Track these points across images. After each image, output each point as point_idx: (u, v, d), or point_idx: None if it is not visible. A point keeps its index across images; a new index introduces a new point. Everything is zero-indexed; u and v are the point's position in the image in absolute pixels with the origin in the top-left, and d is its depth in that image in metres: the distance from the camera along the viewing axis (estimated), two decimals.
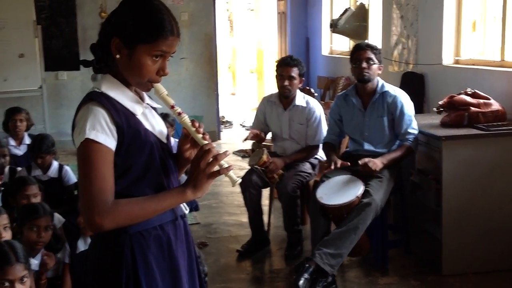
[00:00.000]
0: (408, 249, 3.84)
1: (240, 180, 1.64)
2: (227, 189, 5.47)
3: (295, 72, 3.92)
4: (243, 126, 9.16)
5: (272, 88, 10.32)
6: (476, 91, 3.77)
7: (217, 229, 4.54)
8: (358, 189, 3.37)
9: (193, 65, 7.75)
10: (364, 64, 3.59)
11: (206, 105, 7.63)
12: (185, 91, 7.52)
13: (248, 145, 5.70)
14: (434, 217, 3.61)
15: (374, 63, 3.62)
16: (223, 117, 9.21)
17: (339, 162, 3.54)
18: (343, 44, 7.87)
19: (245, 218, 4.43)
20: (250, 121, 9.08)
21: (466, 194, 3.48)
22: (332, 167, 3.52)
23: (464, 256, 3.51)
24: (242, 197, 3.96)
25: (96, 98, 1.53)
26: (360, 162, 3.47)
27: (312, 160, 4.06)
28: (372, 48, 3.64)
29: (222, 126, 8.72)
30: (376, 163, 3.44)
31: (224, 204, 5.21)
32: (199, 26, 7.70)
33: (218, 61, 8.80)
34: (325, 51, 8.40)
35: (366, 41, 6.18)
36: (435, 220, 3.60)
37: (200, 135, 1.61)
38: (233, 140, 7.67)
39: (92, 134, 1.47)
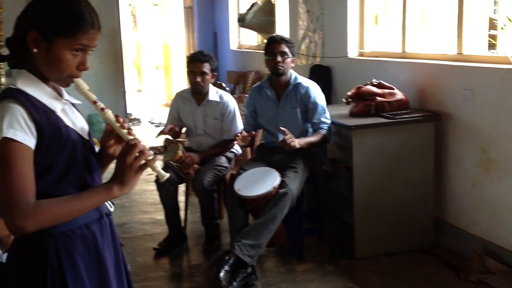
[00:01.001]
0: (323, 236, 3.96)
1: (168, 175, 1.62)
2: (139, 188, 5.36)
3: (206, 67, 3.91)
4: (152, 123, 9.00)
5: (180, 84, 10.24)
6: (381, 81, 3.96)
7: (132, 228, 4.44)
8: (275, 180, 3.43)
9: (97, 61, 7.46)
10: (279, 58, 3.66)
11: (113, 103, 7.38)
12: (90, 88, 7.24)
13: (160, 142, 5.62)
14: (346, 204, 3.75)
15: (288, 57, 3.70)
16: (131, 114, 9.00)
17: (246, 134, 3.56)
18: (251, 39, 7.95)
19: (160, 216, 4.38)
20: (159, 118, 9.01)
21: (375, 181, 3.65)
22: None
23: (375, 239, 3.68)
24: (158, 194, 3.89)
25: (12, 95, 1.44)
26: (279, 138, 3.51)
27: (228, 153, 4.08)
28: (287, 42, 3.72)
29: (130, 123, 8.52)
30: (294, 140, 3.47)
31: (137, 202, 5.10)
32: (103, 21, 7.13)
33: (123, 57, 8.57)
34: (233, 46, 8.45)
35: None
36: (347, 207, 3.74)
37: (125, 131, 1.57)
38: (143, 138, 7.49)
39: (9, 133, 1.39)
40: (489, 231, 3.42)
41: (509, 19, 4.12)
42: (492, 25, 4.04)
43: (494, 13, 4.25)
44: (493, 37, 4.22)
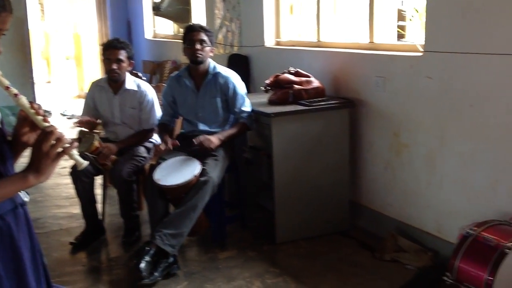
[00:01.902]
0: (244, 223, 4.00)
1: (87, 163, 1.56)
2: (53, 181, 5.16)
3: (123, 55, 3.81)
4: (64, 115, 8.66)
5: (92, 74, 9.89)
6: (299, 70, 4.04)
7: (46, 223, 4.26)
8: (195, 169, 3.41)
9: (3, 51, 7.08)
10: (198, 46, 3.64)
11: (21, 94, 7.05)
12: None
13: (73, 133, 5.40)
14: (266, 191, 3.80)
15: (207, 45, 3.68)
16: (40, 106, 8.59)
17: (169, 142, 3.55)
18: (167, 28, 7.82)
19: (76, 210, 4.23)
20: (71, 110, 8.67)
21: (294, 167, 3.72)
22: (162, 147, 3.54)
23: (295, 224, 3.76)
24: (73, 187, 3.75)
25: None
26: (195, 141, 3.51)
27: (146, 143, 4.00)
28: (206, 30, 3.70)
29: None
30: (212, 141, 3.51)
31: (51, 197, 4.90)
32: None
33: (31, 47, 8.16)
34: (148, 35, 8.29)
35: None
36: (268, 193, 3.79)
37: (40, 117, 1.50)
38: None
39: None
40: (401, 212, 3.60)
41: (416, 10, 4.32)
42: (401, 16, 4.22)
43: (402, 5, 4.43)
44: (401, 28, 4.41)
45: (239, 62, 5.30)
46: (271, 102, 3.95)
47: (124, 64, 3.82)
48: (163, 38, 7.95)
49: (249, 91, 4.89)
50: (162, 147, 3.56)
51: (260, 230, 3.92)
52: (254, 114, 3.82)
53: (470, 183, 3.09)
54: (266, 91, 4.04)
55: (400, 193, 3.59)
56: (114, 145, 3.76)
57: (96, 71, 9.80)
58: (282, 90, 3.94)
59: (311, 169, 3.77)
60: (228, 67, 3.98)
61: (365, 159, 3.86)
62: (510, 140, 2.83)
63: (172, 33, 7.66)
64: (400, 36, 4.19)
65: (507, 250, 2.42)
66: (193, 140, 3.52)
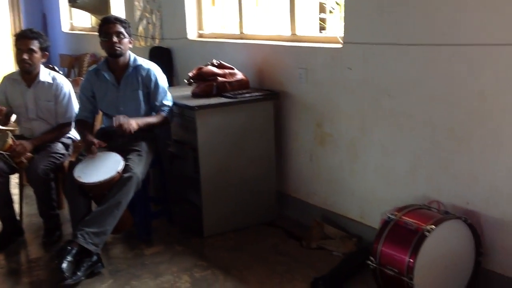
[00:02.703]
0: (171, 218, 3.93)
1: None
2: None
3: (35, 45, 3.63)
4: None
5: (4, 69, 9.38)
6: (222, 62, 4.01)
7: None
8: (118, 165, 3.31)
9: None
10: (115, 38, 3.52)
11: None
12: None
13: None
14: (193, 185, 3.75)
15: (125, 37, 3.56)
16: None
17: (96, 142, 3.42)
18: (85, 20, 7.56)
19: None
20: None
21: (220, 160, 3.70)
22: (93, 151, 3.39)
23: (222, 217, 3.74)
24: None
25: None
26: (114, 121, 3.38)
27: (64, 139, 3.84)
28: (122, 22, 3.58)
29: None
30: (131, 123, 3.39)
31: None
32: None
33: None
34: (65, 28, 7.97)
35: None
36: (194, 187, 3.75)
37: None
38: None
39: None
40: (326, 200, 3.66)
41: (337, 3, 4.39)
42: (322, 8, 4.28)
43: None
44: (323, 20, 4.47)
45: (161, 55, 5.20)
46: (195, 95, 3.90)
47: (37, 55, 3.65)
48: (80, 30, 7.67)
49: (171, 84, 4.83)
50: (93, 150, 3.39)
51: (187, 224, 3.88)
52: (178, 107, 3.76)
53: (391, 170, 3.19)
54: (189, 84, 3.98)
55: (325, 182, 3.65)
56: (28, 143, 3.59)
57: (8, 66, 9.30)
58: (205, 83, 3.90)
59: (237, 161, 3.76)
60: (149, 60, 3.88)
61: (290, 149, 3.90)
62: (426, 128, 2.94)
63: (90, 26, 7.40)
64: (322, 28, 4.25)
65: (427, 233, 2.52)
66: (113, 119, 3.39)
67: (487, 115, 2.63)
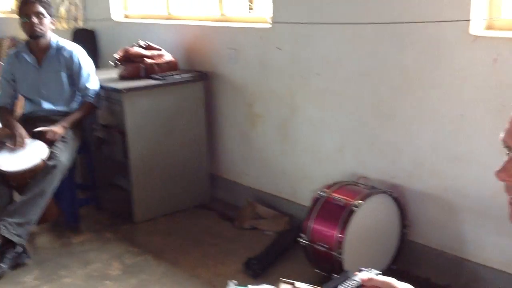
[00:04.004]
0: (100, 205, 3.83)
1: None
2: None
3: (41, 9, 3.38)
4: None
5: None
6: (149, 43, 3.91)
7: None
8: (42, 152, 3.17)
9: None
10: (35, 19, 3.35)
11: None
12: None
13: None
14: (122, 170, 3.66)
15: (45, 17, 3.40)
16: None
17: (25, 136, 3.25)
18: (3, 3, 7.16)
19: None
20: None
21: (150, 143, 3.62)
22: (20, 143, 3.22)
23: (153, 202, 3.68)
24: None
25: None
26: (36, 131, 3.26)
27: None
28: (41, 2, 3.40)
29: None
30: (56, 132, 3.28)
31: None
32: None
33: None
34: None
35: None
36: (123, 172, 3.66)
37: None
38: None
39: None
40: (258, 180, 3.67)
41: None
42: None
43: None
44: (251, 0, 4.44)
45: (85, 37, 5.00)
46: (122, 77, 3.80)
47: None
48: None
49: (97, 67, 4.65)
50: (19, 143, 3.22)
51: (117, 211, 3.79)
52: (105, 90, 3.65)
53: (320, 148, 3.23)
54: (116, 66, 3.87)
55: (257, 162, 3.66)
56: None
57: None
58: (132, 65, 3.80)
59: (168, 145, 3.70)
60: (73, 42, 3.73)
61: (222, 131, 3.87)
62: (353, 106, 2.99)
63: (10, 9, 7.02)
64: (251, 9, 4.22)
65: (355, 208, 2.57)
66: (34, 131, 3.26)
67: (410, 92, 2.71)
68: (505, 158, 0.96)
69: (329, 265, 2.65)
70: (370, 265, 2.72)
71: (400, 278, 1.18)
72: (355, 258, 2.61)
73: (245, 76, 3.60)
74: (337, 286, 1.95)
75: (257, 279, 2.84)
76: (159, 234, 3.46)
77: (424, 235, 2.77)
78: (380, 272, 1.19)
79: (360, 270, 1.26)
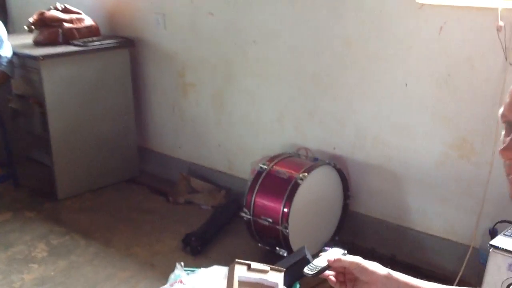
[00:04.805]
0: (17, 182, 3.53)
1: None
2: None
3: None
4: None
5: None
6: (67, 6, 3.60)
7: None
8: None
9: None
10: None
11: None
12: None
13: None
14: (41, 143, 3.38)
15: None
16: None
17: None
18: None
19: None
20: None
21: (72, 115, 3.36)
22: None
23: (78, 177, 3.44)
24: None
25: None
26: None
27: None
28: None
29: None
30: None
31: None
32: None
33: None
34: None
35: None
36: (43, 146, 3.38)
37: None
38: None
39: None
40: (192, 153, 3.52)
41: None
42: None
43: None
44: None
45: None
46: (38, 43, 3.48)
47: None
48: None
49: (8, 32, 4.26)
50: None
51: (38, 188, 3.50)
52: (19, 57, 3.35)
53: (258, 119, 3.12)
54: (30, 30, 3.54)
55: (190, 134, 3.50)
56: None
57: None
58: (49, 29, 3.49)
59: (92, 116, 3.45)
60: None
61: (151, 101, 3.66)
62: (292, 76, 2.90)
63: None
64: None
65: (300, 181, 2.50)
66: None
67: (353, 61, 2.65)
68: (505, 134, 0.89)
69: (273, 239, 2.58)
70: (314, 237, 2.69)
71: (344, 249, 1.18)
72: (299, 231, 2.56)
73: (175, 43, 3.40)
74: (295, 263, 1.89)
75: (197, 256, 2.73)
76: (86, 212, 3.24)
77: (367, 206, 2.76)
78: (345, 252, 1.17)
79: (324, 250, 1.20)
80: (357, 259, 1.11)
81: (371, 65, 2.59)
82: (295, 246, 2.52)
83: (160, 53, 3.49)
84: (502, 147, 0.87)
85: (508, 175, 0.88)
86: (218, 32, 3.16)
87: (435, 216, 2.54)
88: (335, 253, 1.16)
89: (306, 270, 1.14)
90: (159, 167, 3.70)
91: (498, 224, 2.15)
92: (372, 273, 1.09)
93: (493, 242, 1.84)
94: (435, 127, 2.45)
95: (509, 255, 1.76)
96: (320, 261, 1.16)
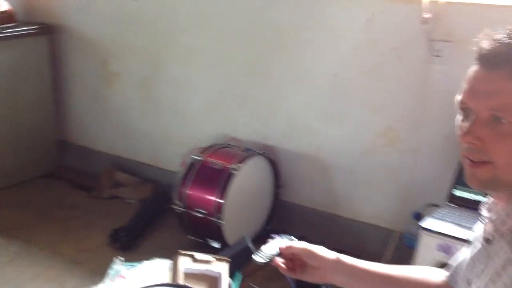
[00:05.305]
0: None
1: None
2: None
3: None
4: None
5: None
6: None
7: None
8: None
9: None
10: None
11: None
12: None
13: None
14: None
15: None
16: None
17: None
18: None
19: None
20: None
21: None
22: None
23: None
24: None
25: None
26: None
27: None
28: None
29: None
30: None
31: None
32: None
33: None
34: None
35: None
36: None
37: None
38: None
39: None
40: (116, 146, 3.40)
41: None
42: None
43: None
44: None
45: None
46: None
47: None
48: None
49: None
50: None
51: None
52: None
53: (186, 109, 3.07)
54: None
55: (114, 126, 3.38)
56: None
57: None
58: None
59: (6, 109, 3.24)
60: None
61: (71, 92, 3.49)
62: (222, 65, 2.88)
63: None
64: None
65: (234, 172, 2.49)
66: None
67: (284, 51, 2.67)
68: (462, 120, 0.92)
69: (206, 231, 2.55)
70: (246, 227, 2.70)
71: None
72: (232, 221, 2.55)
73: (99, 30, 3.27)
74: (238, 252, 1.87)
75: (127, 251, 2.64)
76: (5, 209, 3.03)
77: (298, 194, 2.80)
78: (293, 238, 1.19)
79: (272, 238, 1.22)
80: (307, 245, 1.14)
81: (302, 55, 2.62)
82: (228, 237, 2.51)
83: (82, 41, 3.34)
84: (462, 133, 0.90)
85: (464, 158, 0.91)
86: (145, 19, 3.08)
87: (362, 203, 2.62)
88: (284, 241, 1.17)
89: (257, 258, 1.14)
90: (80, 160, 3.55)
91: (425, 207, 2.25)
92: (322, 258, 1.12)
93: (423, 224, 1.93)
94: (363, 116, 2.53)
95: (438, 236, 1.85)
96: (269, 249, 1.16)
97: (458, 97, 0.91)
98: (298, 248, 1.13)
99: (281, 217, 2.81)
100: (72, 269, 2.50)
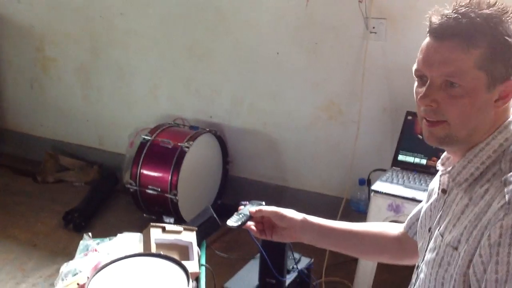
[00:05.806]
0: None
1: None
2: None
3: None
4: None
5: None
6: None
7: None
8: None
9: None
10: None
11: None
12: None
13: None
14: None
15: None
16: None
17: None
18: None
19: None
20: None
21: None
22: None
23: None
24: None
25: None
26: None
27: None
28: None
29: None
30: None
31: None
32: None
33: None
34: None
35: None
36: None
37: None
38: None
39: None
40: (56, 130, 3.37)
41: None
42: None
43: None
44: None
45: None
46: None
47: None
48: None
49: None
50: None
51: None
52: None
53: (129, 92, 3.10)
54: None
55: (53, 111, 3.34)
56: None
57: None
58: None
59: None
60: None
61: (6, 79, 3.41)
62: (164, 48, 2.93)
63: None
64: None
65: (186, 149, 2.58)
66: None
67: (226, 32, 2.76)
68: (419, 86, 1.04)
69: (161, 208, 2.63)
70: (199, 202, 2.79)
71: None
72: (186, 197, 2.64)
73: (31, 16, 3.21)
74: (204, 222, 1.98)
75: (81, 232, 2.65)
76: None
77: (246, 169, 2.92)
78: (263, 202, 1.28)
79: (243, 204, 1.32)
80: (276, 208, 1.23)
81: (244, 35, 2.73)
82: (183, 212, 2.60)
83: (14, 27, 3.27)
84: (419, 97, 1.02)
85: (421, 119, 1.04)
86: (80, 4, 3.05)
87: (309, 174, 2.79)
88: (254, 206, 1.26)
89: (230, 222, 1.21)
90: (20, 147, 3.48)
91: (370, 173, 2.43)
92: (290, 219, 1.21)
93: (373, 187, 2.11)
94: (305, 92, 2.68)
95: (388, 197, 2.04)
96: (241, 214, 1.26)
97: (414, 66, 1.04)
98: (267, 211, 1.22)
99: (231, 191, 2.93)
100: (29, 252, 2.52)
